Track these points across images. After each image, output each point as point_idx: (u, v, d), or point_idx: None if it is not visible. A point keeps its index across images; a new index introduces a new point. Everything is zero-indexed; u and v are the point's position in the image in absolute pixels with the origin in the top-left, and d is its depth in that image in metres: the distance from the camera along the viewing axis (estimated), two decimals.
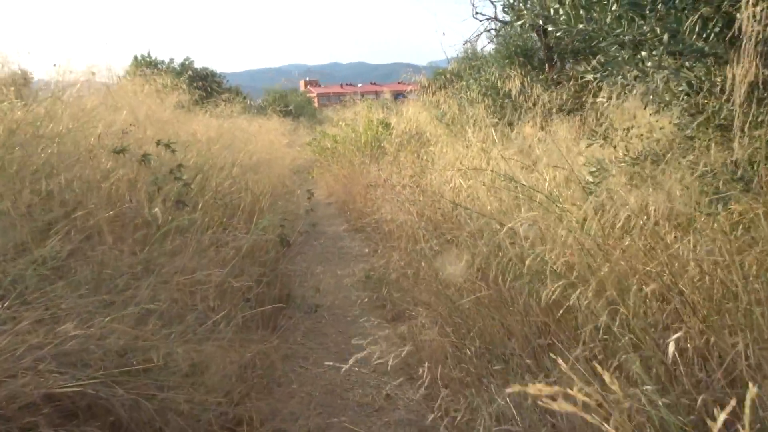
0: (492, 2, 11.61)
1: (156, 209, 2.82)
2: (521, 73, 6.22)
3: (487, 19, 12.02)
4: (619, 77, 2.91)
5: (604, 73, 2.99)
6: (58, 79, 6.42)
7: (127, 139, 3.76)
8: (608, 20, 2.58)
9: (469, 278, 3.27)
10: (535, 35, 11.19)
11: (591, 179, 3.22)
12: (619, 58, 2.82)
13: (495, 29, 12.01)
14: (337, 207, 10.36)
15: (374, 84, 77.52)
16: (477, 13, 11.92)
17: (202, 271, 2.67)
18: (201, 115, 8.15)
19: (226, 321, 2.55)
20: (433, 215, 4.58)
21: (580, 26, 2.65)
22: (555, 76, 10.10)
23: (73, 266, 2.35)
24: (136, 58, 30.06)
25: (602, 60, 3.67)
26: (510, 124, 6.38)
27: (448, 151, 6.14)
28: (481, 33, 12.84)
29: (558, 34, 3.17)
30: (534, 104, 6.28)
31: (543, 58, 11.21)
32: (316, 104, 50.20)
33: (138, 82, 7.98)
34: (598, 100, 3.41)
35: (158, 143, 3.40)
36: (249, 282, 2.78)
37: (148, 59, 29.73)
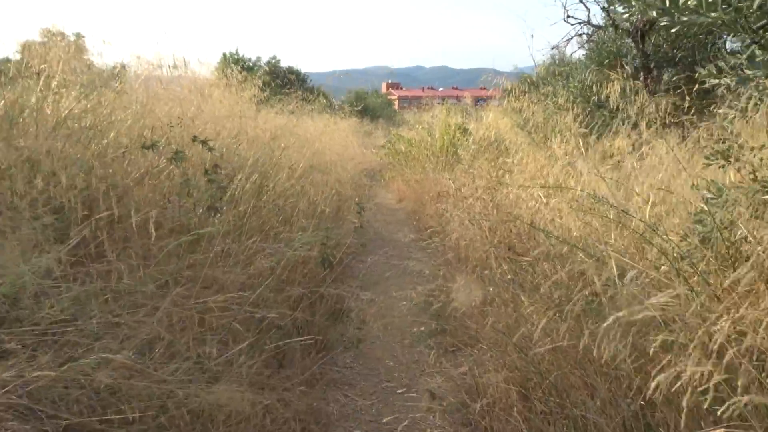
0: (585, 5, 10.85)
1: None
2: (623, 76, 5.54)
3: (579, 23, 11.29)
4: (756, 84, 2.31)
5: (739, 78, 2.39)
6: (147, 72, 6.44)
7: (174, 134, 3.52)
8: (754, 5, 2.01)
9: (544, 315, 2.76)
10: (631, 41, 10.38)
11: (705, 206, 2.62)
12: (759, 60, 2.23)
13: (587, 34, 11.26)
14: (405, 213, 9.95)
15: (456, 88, 76.67)
16: (569, 16, 11.21)
17: (228, 292, 2.32)
18: (272, 113, 7.96)
19: (249, 354, 2.19)
20: (507, 235, 4.06)
21: (713, 15, 2.09)
22: (652, 86, 9.24)
23: (85, 278, 2.07)
24: (224, 55, 31.10)
25: (723, 64, 3.05)
26: (600, 135, 5.74)
27: (528, 163, 5.57)
28: (572, 37, 12.04)
29: (674, 29, 2.61)
30: (638, 113, 5.57)
31: (639, 66, 10.37)
32: (396, 106, 50.16)
33: (216, 77, 7.94)
34: (720, 111, 2.79)
35: (194, 140, 3.09)
36: (276, 312, 2.38)
37: (236, 56, 30.67)
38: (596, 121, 6.14)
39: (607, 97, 5.24)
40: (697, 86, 4.24)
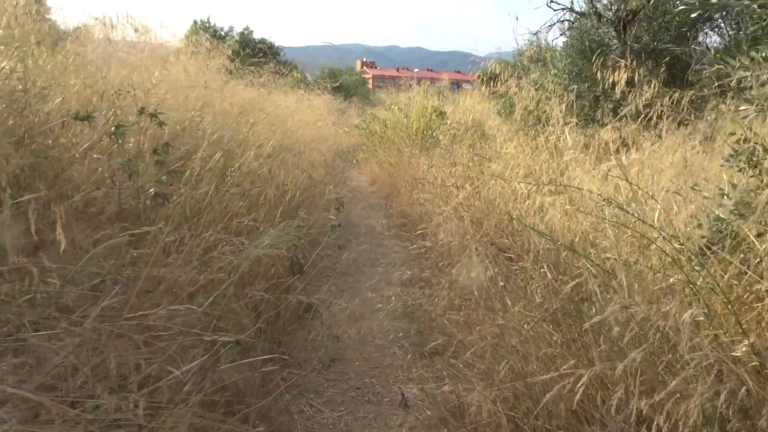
0: None
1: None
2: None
3: (562, 9, 11.01)
4: None
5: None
6: (105, 34, 5.90)
7: (126, 103, 3.08)
8: None
9: (538, 327, 2.46)
10: (613, 31, 10.17)
11: (723, 215, 2.35)
12: None
13: (569, 20, 11.00)
14: (379, 197, 9.59)
15: (431, 70, 76.15)
16: (552, 1, 10.92)
17: (177, 296, 1.95)
18: (240, 85, 7.47)
19: (197, 377, 1.81)
20: (492, 229, 3.76)
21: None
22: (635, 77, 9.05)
23: None
24: (195, 22, 30.02)
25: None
26: (600, 125, 5.44)
27: (510, 150, 5.26)
28: (554, 24, 11.75)
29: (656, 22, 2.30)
30: (646, 106, 5.27)
31: (619, 56, 10.17)
32: (370, 85, 49.54)
33: (184, 45, 7.41)
34: (741, 108, 2.50)
35: (141, 112, 2.65)
36: (230, 336, 2.00)
37: (207, 25, 29.62)
38: (599, 110, 5.87)
39: (613, 85, 4.94)
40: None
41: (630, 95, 4.53)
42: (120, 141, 2.31)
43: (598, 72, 5.24)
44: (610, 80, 4.83)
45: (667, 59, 8.89)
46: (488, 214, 4.13)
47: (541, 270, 2.61)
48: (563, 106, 5.47)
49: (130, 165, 2.24)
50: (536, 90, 5.67)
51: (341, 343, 3.34)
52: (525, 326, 2.44)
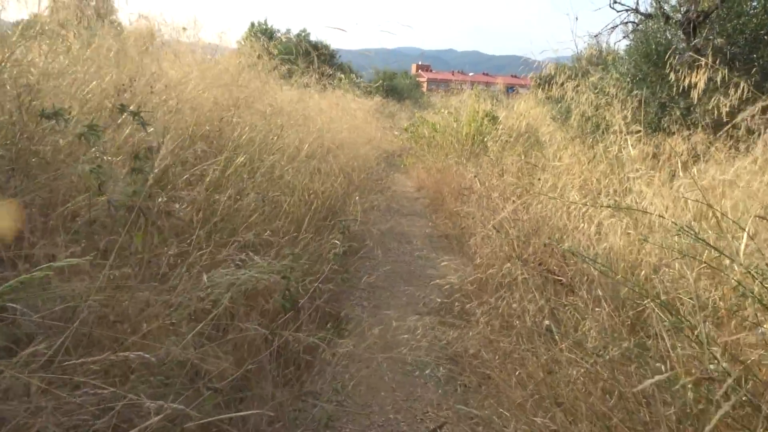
0: None
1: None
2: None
3: (626, 10, 10.37)
4: None
5: None
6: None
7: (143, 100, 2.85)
8: None
9: (589, 377, 2.04)
10: (682, 33, 9.47)
11: None
12: None
13: (634, 22, 10.34)
14: (424, 205, 9.21)
15: (486, 74, 75.10)
16: (615, 2, 10.29)
17: (145, 335, 1.63)
18: (286, 85, 7.24)
19: None
20: (540, 249, 3.33)
21: None
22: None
23: None
24: (252, 24, 30.46)
25: None
26: (656, 131, 4.90)
27: (564, 159, 4.78)
28: (617, 25, 11.07)
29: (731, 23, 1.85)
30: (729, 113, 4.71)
31: (688, 60, 9.44)
32: (424, 89, 49.22)
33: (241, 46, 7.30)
34: None
35: (122, 109, 2.34)
36: (215, 367, 1.65)
37: (264, 27, 29.99)
38: (666, 117, 5.33)
39: (687, 88, 4.41)
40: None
41: (712, 100, 4.00)
42: (91, 143, 2.03)
43: (671, 73, 4.70)
44: (686, 82, 4.30)
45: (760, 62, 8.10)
46: (537, 231, 3.70)
47: (596, 308, 2.19)
48: (626, 112, 4.96)
49: (100, 173, 1.94)
50: (596, 94, 5.17)
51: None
52: (574, 373, 2.03)
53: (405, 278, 5.24)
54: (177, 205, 2.64)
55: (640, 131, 4.40)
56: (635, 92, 5.62)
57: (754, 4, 9.27)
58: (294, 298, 2.38)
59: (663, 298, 2.05)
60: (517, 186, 4.59)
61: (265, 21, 30.82)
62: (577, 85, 5.63)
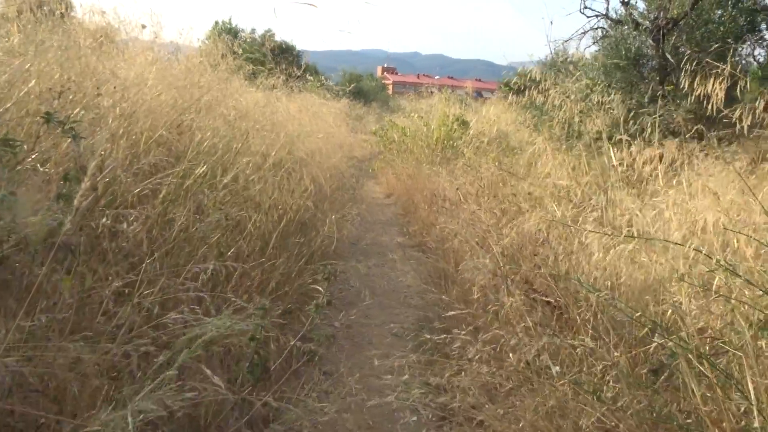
0: None
1: None
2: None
3: (597, 16, 10.32)
4: None
5: None
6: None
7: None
8: None
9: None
10: (651, 40, 9.47)
11: None
12: None
13: (603, 28, 10.30)
14: (395, 212, 8.94)
15: (452, 78, 75.47)
16: (585, 7, 10.24)
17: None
18: (251, 87, 6.88)
19: None
20: (530, 273, 3.08)
21: None
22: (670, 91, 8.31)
23: None
24: (216, 23, 29.71)
25: None
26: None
27: (546, 167, 4.57)
28: (587, 31, 11.04)
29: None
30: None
31: (656, 67, 9.46)
32: (390, 91, 49.11)
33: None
34: None
35: (47, 118, 1.98)
36: None
37: (228, 26, 29.29)
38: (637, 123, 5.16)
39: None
40: None
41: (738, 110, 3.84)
42: (4, 163, 1.66)
43: (647, 81, 4.53)
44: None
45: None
46: (522, 248, 3.47)
47: (601, 342, 1.94)
48: (602, 119, 4.79)
49: (8, 202, 1.55)
50: (573, 101, 4.99)
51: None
52: (584, 424, 1.77)
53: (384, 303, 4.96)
54: (125, 225, 2.30)
55: (628, 140, 4.21)
56: (610, 98, 5.46)
57: (719, 12, 9.32)
58: (264, 362, 2.07)
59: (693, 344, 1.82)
60: (496, 198, 4.36)
61: (230, 20, 30.05)
62: (547, 90, 5.43)
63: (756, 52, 9.98)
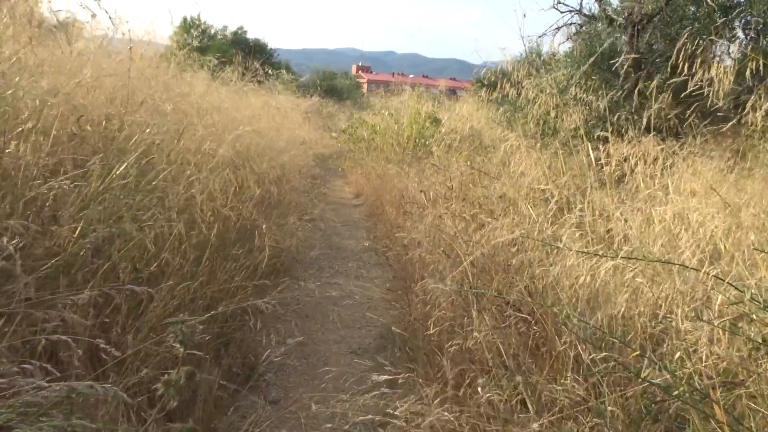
0: None
1: None
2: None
3: (570, 11, 10.07)
4: None
5: None
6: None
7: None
8: None
9: None
10: (626, 37, 9.28)
11: None
12: None
13: (577, 24, 10.06)
14: (363, 213, 8.52)
15: (426, 77, 75.36)
16: (559, 2, 9.98)
17: None
18: (211, 83, 6.37)
19: None
20: (502, 286, 2.69)
21: None
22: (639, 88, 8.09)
23: None
24: (185, 19, 28.72)
25: None
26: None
27: (521, 166, 4.17)
28: (560, 27, 10.75)
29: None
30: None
31: (630, 64, 9.25)
32: (365, 90, 48.77)
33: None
34: None
35: None
36: None
37: (196, 22, 28.34)
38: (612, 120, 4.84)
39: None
40: None
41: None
42: None
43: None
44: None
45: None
46: (494, 256, 3.08)
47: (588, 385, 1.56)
48: (580, 114, 4.44)
49: None
50: (548, 95, 4.63)
51: None
52: None
53: (344, 316, 4.54)
54: (4, 240, 1.85)
55: (607, 136, 3.86)
56: (589, 91, 5.12)
57: (693, 9, 9.12)
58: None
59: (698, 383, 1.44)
60: (466, 200, 3.96)
61: (198, 16, 29.01)
62: (520, 82, 5.07)
63: (731, 50, 9.84)
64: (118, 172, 2.68)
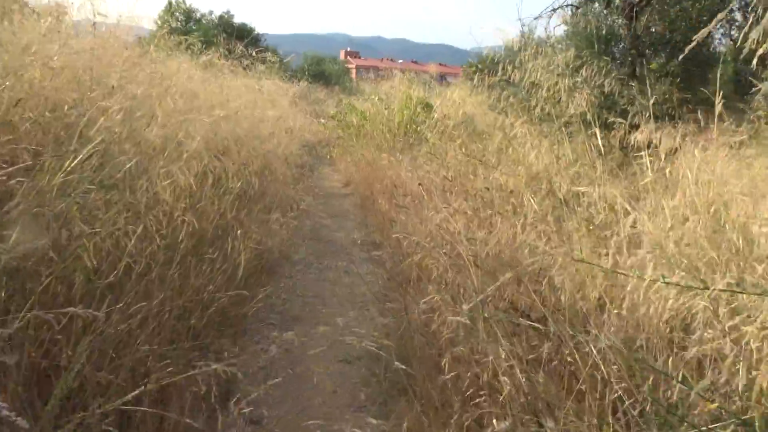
0: None
1: None
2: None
3: None
4: None
5: None
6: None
7: None
8: None
9: None
10: (624, 19, 9.05)
11: None
12: None
13: (573, 5, 9.77)
14: (353, 203, 8.19)
15: (415, 62, 74.66)
16: None
17: None
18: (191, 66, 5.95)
19: None
20: (508, 288, 2.39)
21: None
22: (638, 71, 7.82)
23: None
24: (170, 3, 27.90)
25: None
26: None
27: (531, 157, 3.83)
28: (556, 9, 10.40)
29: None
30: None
31: (628, 48, 8.99)
32: (353, 75, 48.23)
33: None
34: None
35: None
36: None
37: (182, 5, 27.54)
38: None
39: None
40: None
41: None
42: None
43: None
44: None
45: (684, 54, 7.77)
46: (499, 254, 2.77)
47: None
48: (589, 97, 4.13)
49: None
50: (560, 73, 4.29)
51: None
52: None
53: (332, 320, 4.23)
54: None
55: (623, 122, 3.54)
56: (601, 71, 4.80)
57: None
58: None
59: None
60: (466, 193, 3.64)
61: (184, 0, 28.11)
62: (527, 62, 4.72)
63: (732, 33, 9.55)
64: (73, 164, 2.33)
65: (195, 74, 5.61)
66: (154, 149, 3.07)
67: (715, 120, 3.22)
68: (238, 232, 3.15)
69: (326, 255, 5.51)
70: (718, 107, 2.88)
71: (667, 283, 1.45)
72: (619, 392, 1.42)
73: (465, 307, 1.97)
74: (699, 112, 5.40)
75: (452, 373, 1.91)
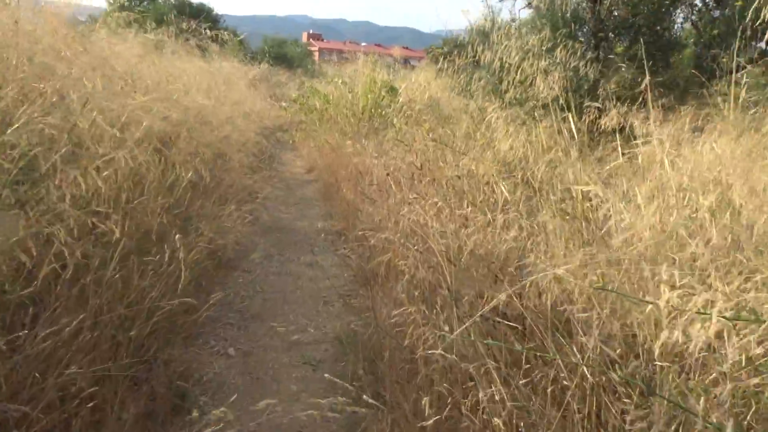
0: None
1: None
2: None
3: None
4: None
5: None
6: None
7: None
8: None
9: None
10: (588, 2, 8.95)
11: None
12: None
13: None
14: (316, 190, 7.90)
15: (379, 46, 73.96)
16: None
17: None
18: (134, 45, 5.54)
19: None
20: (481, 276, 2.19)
21: None
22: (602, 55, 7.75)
23: None
24: None
25: None
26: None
27: (504, 142, 3.63)
28: None
29: None
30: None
31: (592, 31, 8.92)
32: (316, 58, 47.49)
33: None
34: None
35: None
36: None
37: None
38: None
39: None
40: None
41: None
42: None
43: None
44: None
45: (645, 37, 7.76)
46: (474, 250, 2.57)
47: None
48: (563, 80, 3.95)
49: None
50: (535, 54, 4.09)
51: None
52: None
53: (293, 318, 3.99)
54: None
55: (597, 107, 3.37)
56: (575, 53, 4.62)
57: None
58: None
59: None
60: (436, 181, 3.42)
61: None
62: (499, 42, 4.52)
63: (693, 17, 9.55)
64: None
65: (141, 54, 5.21)
66: (93, 136, 2.74)
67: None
68: (189, 228, 2.86)
69: (288, 246, 5.24)
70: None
71: (710, 316, 1.24)
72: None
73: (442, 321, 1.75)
74: (663, 96, 5.32)
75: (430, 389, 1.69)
